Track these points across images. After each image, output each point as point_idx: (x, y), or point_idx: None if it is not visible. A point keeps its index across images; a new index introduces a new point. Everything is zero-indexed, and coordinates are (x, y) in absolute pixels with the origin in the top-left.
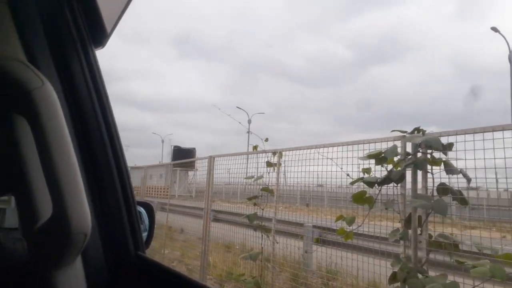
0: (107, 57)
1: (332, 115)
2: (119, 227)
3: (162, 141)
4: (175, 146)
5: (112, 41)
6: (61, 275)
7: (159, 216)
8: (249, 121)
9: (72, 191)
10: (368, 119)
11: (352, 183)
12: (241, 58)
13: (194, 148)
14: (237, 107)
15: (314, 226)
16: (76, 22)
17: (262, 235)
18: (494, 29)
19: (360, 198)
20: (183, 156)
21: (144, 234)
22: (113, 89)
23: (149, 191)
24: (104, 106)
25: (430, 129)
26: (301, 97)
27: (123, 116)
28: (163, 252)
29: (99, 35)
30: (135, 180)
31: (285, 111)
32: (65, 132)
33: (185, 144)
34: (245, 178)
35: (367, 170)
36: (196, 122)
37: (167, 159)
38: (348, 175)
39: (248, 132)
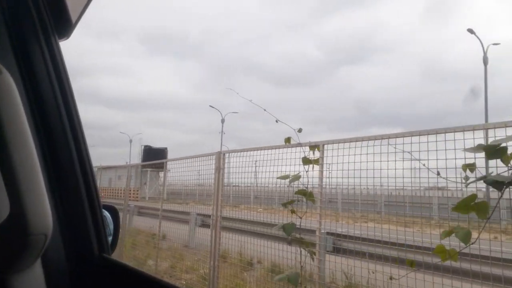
0: (74, 51)
1: (304, 115)
2: (82, 227)
3: (130, 141)
4: (145, 146)
5: (80, 36)
6: (19, 279)
7: (138, 222)
8: (223, 120)
9: (32, 189)
10: (339, 119)
11: (468, 184)
12: (214, 57)
13: (166, 148)
14: (210, 106)
15: (328, 233)
16: (39, 11)
17: (300, 251)
18: (470, 30)
19: (466, 205)
20: (154, 156)
21: (109, 239)
22: (79, 85)
23: (117, 192)
24: (68, 99)
25: (397, 130)
26: (274, 96)
27: (89, 114)
28: (149, 263)
29: (64, 25)
30: (104, 181)
31: (258, 111)
32: (25, 126)
33: (155, 144)
34: (278, 177)
35: (470, 166)
36: (166, 120)
37: (136, 159)
38: (438, 173)
39: (222, 132)
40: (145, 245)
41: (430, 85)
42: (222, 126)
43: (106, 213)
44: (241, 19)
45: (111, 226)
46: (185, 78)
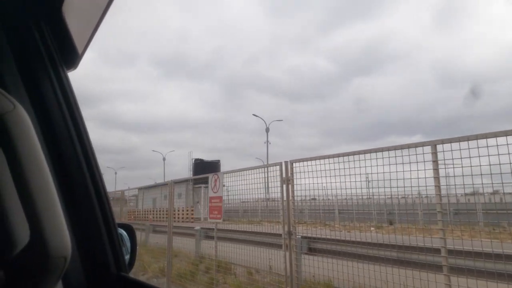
0: (89, 79)
1: (319, 129)
2: (100, 248)
3: (164, 159)
4: (196, 159)
5: (99, 65)
6: None
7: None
8: (267, 130)
9: (50, 214)
10: (355, 130)
11: None
12: (226, 76)
13: (219, 161)
14: (253, 114)
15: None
16: (46, 44)
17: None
18: None
19: None
20: (207, 170)
21: (127, 257)
22: (99, 111)
23: (166, 214)
24: (79, 127)
25: (416, 137)
26: (288, 111)
27: (109, 139)
28: None
29: (71, 57)
30: (148, 201)
31: (272, 126)
32: (40, 156)
33: (175, 163)
34: None
35: None
36: (184, 141)
37: (166, 178)
38: None
39: (267, 142)
40: None
41: (445, 90)
42: (267, 136)
43: (122, 232)
44: (250, 36)
45: (128, 244)
46: (200, 98)
